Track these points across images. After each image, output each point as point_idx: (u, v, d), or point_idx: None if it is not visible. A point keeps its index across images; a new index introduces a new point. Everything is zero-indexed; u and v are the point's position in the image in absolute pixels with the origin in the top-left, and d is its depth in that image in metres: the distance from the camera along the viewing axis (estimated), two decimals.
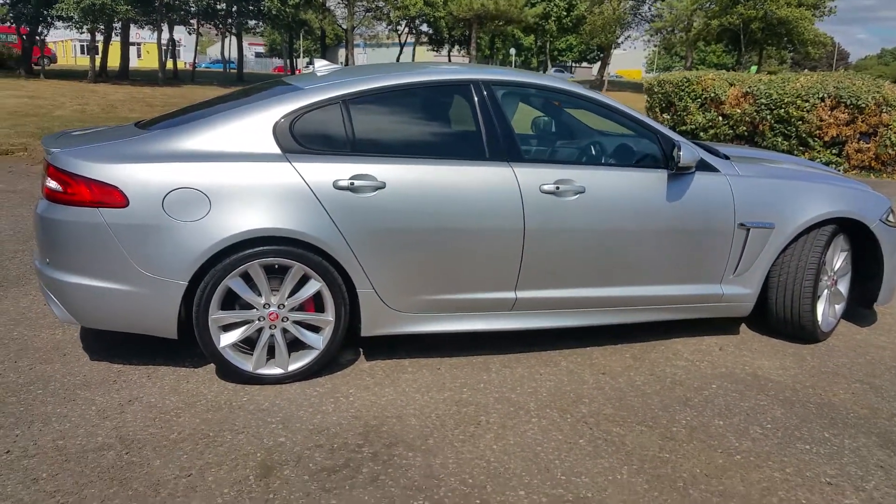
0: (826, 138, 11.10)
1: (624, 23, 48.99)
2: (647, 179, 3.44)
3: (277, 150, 3.07)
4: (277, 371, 3.16)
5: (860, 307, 4.16)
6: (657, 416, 2.99)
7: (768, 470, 2.61)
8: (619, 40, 51.16)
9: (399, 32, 50.31)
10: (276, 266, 3.06)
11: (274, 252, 3.01)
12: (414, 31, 49.69)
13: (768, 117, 11.74)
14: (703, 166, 3.52)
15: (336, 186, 3.06)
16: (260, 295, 3.08)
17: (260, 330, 3.12)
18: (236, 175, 2.97)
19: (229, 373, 3.14)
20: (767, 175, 3.74)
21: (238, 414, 2.87)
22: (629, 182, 3.42)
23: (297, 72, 47.60)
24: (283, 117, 3.13)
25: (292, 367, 3.17)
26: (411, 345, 3.58)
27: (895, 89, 10.95)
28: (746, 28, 41.78)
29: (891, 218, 3.86)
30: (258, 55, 79.00)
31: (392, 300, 3.22)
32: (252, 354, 3.13)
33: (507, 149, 3.30)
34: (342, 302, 3.15)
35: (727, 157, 3.75)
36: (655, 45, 53.89)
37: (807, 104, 11.21)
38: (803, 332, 3.74)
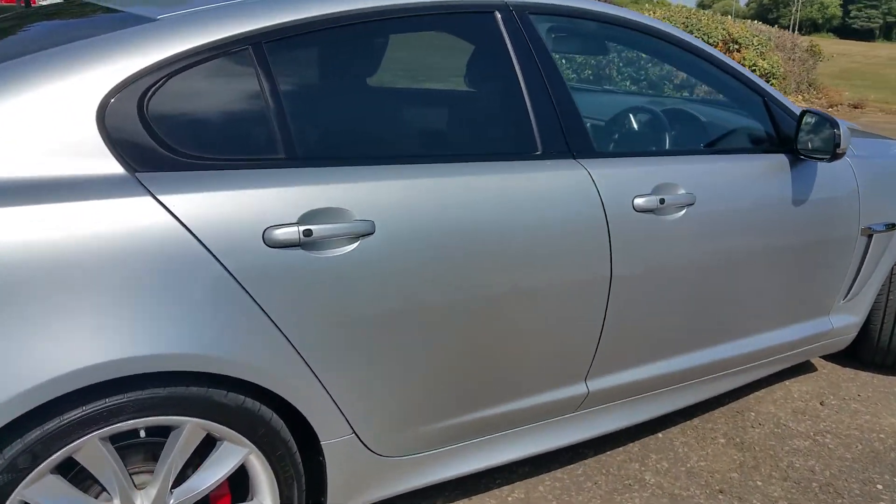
0: (676, 81, 10.74)
1: None
2: (767, 171, 2.13)
3: (116, 168, 1.31)
4: None
5: None
6: None
7: None
8: None
9: None
10: (143, 432, 1.36)
11: (134, 408, 1.29)
12: None
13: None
14: None
15: (270, 241, 1.37)
16: (105, 491, 1.35)
17: None
18: (22, 233, 1.19)
19: None
20: (884, 155, 2.60)
21: None
22: (748, 178, 2.08)
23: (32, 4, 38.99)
24: (119, 87, 1.34)
25: None
26: None
27: (738, 26, 10.81)
28: None
29: None
30: None
31: (383, 443, 1.64)
32: None
33: (572, 133, 1.79)
34: (292, 474, 1.51)
35: None
36: None
37: None
38: None
